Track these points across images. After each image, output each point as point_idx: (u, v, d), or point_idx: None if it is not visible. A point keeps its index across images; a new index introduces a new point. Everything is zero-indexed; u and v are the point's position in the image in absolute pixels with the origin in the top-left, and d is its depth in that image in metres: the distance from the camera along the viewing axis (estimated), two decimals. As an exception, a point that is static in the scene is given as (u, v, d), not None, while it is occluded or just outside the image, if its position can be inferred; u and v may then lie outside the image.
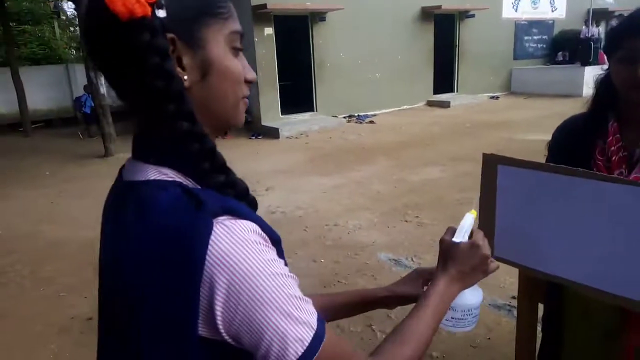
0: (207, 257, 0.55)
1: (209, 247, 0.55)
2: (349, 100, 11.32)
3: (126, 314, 0.62)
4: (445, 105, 12.45)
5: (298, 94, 10.95)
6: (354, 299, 0.97)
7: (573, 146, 1.33)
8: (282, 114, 10.46)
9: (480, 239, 0.86)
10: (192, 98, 0.62)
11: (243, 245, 0.57)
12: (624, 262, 0.95)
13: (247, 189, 0.68)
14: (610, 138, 1.26)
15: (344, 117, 11.08)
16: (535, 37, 14.90)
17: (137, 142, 0.68)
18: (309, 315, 0.60)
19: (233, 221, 0.58)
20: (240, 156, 7.99)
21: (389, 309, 1.00)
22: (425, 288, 0.92)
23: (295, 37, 10.63)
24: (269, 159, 7.75)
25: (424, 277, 0.98)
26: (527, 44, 14.85)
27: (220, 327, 0.57)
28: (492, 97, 13.66)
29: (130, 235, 0.61)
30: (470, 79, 13.74)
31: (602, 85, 1.32)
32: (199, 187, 0.64)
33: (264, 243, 0.60)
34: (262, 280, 0.57)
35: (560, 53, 14.80)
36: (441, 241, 0.89)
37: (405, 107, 12.56)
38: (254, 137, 9.62)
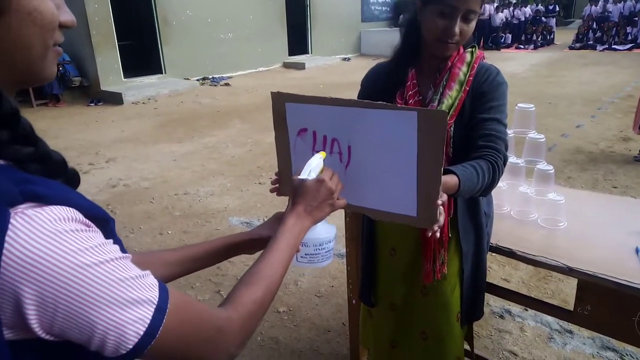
0: (3, 259, 0.44)
1: (5, 247, 0.44)
2: (202, 61, 10.72)
3: None
4: (300, 67, 12.56)
5: (143, 55, 10.00)
6: (216, 247, 0.96)
7: (378, 91, 1.40)
8: (125, 77, 9.44)
9: (327, 176, 0.91)
10: None
11: (52, 238, 0.47)
12: (399, 183, 1.02)
13: (63, 162, 0.56)
14: (409, 83, 1.35)
15: (197, 80, 10.48)
16: (379, 0, 15.71)
17: None
18: (147, 290, 0.54)
19: (38, 209, 0.47)
20: (76, 125, 7.09)
21: (250, 254, 1.01)
22: None
23: (134, -9, 9.59)
24: (110, 127, 7.00)
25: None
26: (372, 7, 15.61)
27: (38, 330, 0.48)
28: (344, 59, 14.18)
29: None
30: (324, 40, 14.03)
31: (409, 36, 1.38)
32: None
33: (83, 229, 0.51)
34: (82, 275, 0.49)
35: (401, 16, 15.86)
36: (291, 180, 0.93)
37: (261, 69, 12.36)
38: (92, 104, 8.57)
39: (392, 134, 0.98)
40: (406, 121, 0.95)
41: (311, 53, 13.97)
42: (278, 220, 0.99)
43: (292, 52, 13.24)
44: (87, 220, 0.52)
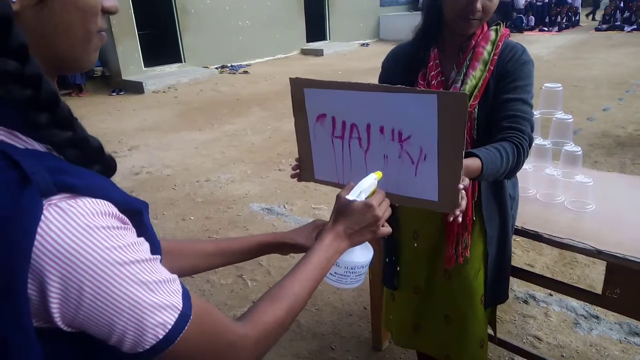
0: (34, 251, 0.44)
1: (37, 238, 0.44)
2: (220, 49, 10.73)
3: None
4: (319, 53, 12.47)
5: (162, 44, 10.05)
6: (250, 244, 0.95)
7: (399, 72, 1.38)
8: (145, 67, 9.53)
9: (377, 201, 0.85)
10: (23, 28, 0.46)
11: (84, 232, 0.46)
12: (420, 167, 1.00)
13: (101, 148, 0.54)
14: (431, 63, 1.33)
15: (216, 68, 10.51)
16: (399, -16, 15.46)
17: None
18: (172, 295, 0.54)
19: (71, 202, 0.46)
20: (99, 115, 7.21)
21: (283, 254, 1.01)
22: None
23: (153, -20, 9.63)
24: (132, 116, 7.09)
25: (320, 229, 0.95)
26: (391, -9, 15.36)
27: (59, 322, 0.48)
28: (363, 45, 14.01)
29: None
30: (342, 26, 13.88)
31: (430, 14, 1.35)
32: (37, 147, 0.50)
33: (116, 226, 0.50)
34: (108, 272, 0.48)
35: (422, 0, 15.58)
36: (338, 196, 0.87)
37: (279, 56, 12.32)
38: (114, 94, 8.69)
39: (412, 118, 0.97)
40: (426, 104, 0.93)
41: (329, 39, 13.85)
42: (315, 228, 0.99)
43: (310, 39, 13.15)
44: (122, 215, 0.52)
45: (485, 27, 1.34)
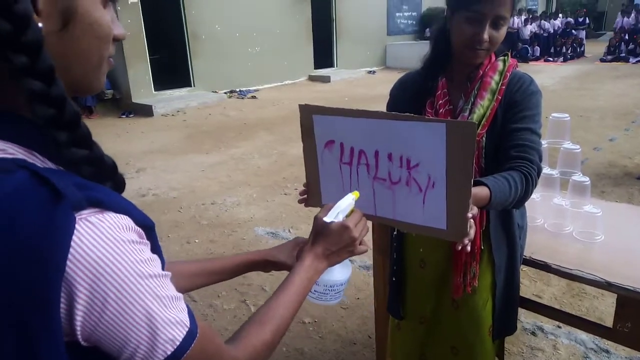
0: (68, 263, 0.46)
1: (71, 249, 0.46)
2: (229, 75, 10.91)
3: None
4: (326, 80, 12.64)
5: (173, 68, 10.23)
6: (232, 263, 0.98)
7: (407, 101, 1.39)
8: (155, 90, 9.69)
9: (353, 222, 0.88)
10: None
11: (112, 246, 0.49)
12: (428, 195, 1.00)
13: (114, 166, 0.58)
14: (439, 92, 1.34)
15: (225, 93, 10.66)
16: (405, 14, 15.73)
17: None
18: (181, 312, 0.56)
19: (100, 216, 0.49)
20: (107, 137, 7.29)
21: (265, 272, 1.04)
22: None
23: (165, 6, 9.86)
24: (141, 138, 7.18)
25: (300, 247, 0.99)
26: (398, 20, 15.63)
27: (79, 333, 0.49)
28: (370, 72, 14.20)
29: None
30: (349, 54, 14.10)
31: (438, 44, 1.37)
32: (50, 166, 0.52)
33: (137, 240, 0.52)
34: (132, 285, 0.50)
35: (428, 29, 15.82)
36: (315, 218, 0.91)
37: (287, 82, 12.49)
38: (124, 116, 8.82)
39: (420, 146, 0.97)
40: (434, 133, 0.94)
41: (337, 66, 14.06)
42: (296, 246, 1.02)
43: (317, 66, 13.35)
44: (140, 230, 0.54)
45: (493, 58, 1.36)
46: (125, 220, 0.51)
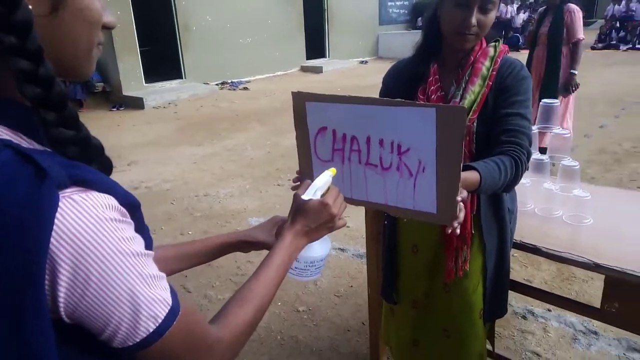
0: (51, 239, 0.47)
1: (55, 226, 0.47)
2: (221, 66, 10.83)
3: None
4: (318, 70, 12.59)
5: (163, 60, 10.13)
6: (210, 245, 0.98)
7: (400, 87, 1.40)
8: (146, 82, 9.59)
9: (331, 198, 0.89)
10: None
11: (95, 224, 0.50)
12: (419, 180, 1.02)
13: (101, 147, 0.58)
14: (431, 79, 1.35)
15: (217, 84, 10.59)
16: (397, 3, 15.68)
17: None
18: (163, 290, 0.57)
19: (83, 195, 0.50)
20: (98, 130, 7.22)
21: (244, 252, 1.03)
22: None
23: (155, -2, 9.77)
24: (132, 131, 7.13)
25: (279, 226, 1.01)
26: (390, 10, 15.57)
27: (62, 310, 0.50)
28: (362, 62, 14.16)
29: None
30: (341, 44, 14.04)
31: (430, 31, 1.38)
32: (36, 147, 0.53)
33: (121, 219, 0.53)
34: (114, 262, 0.51)
35: (420, 18, 15.77)
36: (295, 195, 0.92)
37: (279, 72, 12.43)
38: (115, 109, 8.74)
39: (411, 131, 0.98)
40: (425, 118, 0.95)
41: (329, 57, 14.00)
42: (275, 224, 1.03)
43: (309, 56, 13.29)
44: (123, 209, 0.54)
45: (484, 43, 1.36)
46: (108, 200, 0.52)
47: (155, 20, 9.95)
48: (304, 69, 12.93)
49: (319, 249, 0.96)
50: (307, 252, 0.93)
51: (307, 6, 12.77)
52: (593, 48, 14.82)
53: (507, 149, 1.26)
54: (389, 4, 15.45)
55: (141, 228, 0.58)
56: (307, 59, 13.19)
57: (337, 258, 3.09)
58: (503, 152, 1.25)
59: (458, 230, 1.05)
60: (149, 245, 0.59)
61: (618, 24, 15.36)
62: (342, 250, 3.20)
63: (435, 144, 0.95)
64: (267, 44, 11.82)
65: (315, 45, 13.49)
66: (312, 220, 0.88)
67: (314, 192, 0.91)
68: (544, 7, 4.52)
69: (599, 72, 10.40)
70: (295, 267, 0.96)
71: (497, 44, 1.37)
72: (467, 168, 1.16)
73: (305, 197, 0.90)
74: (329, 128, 1.10)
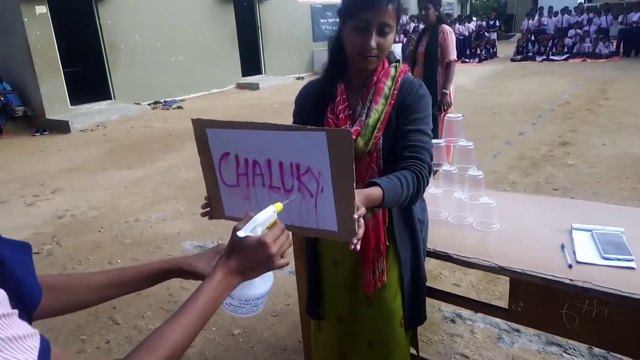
0: None
1: None
2: (152, 85, 10.54)
3: None
4: (254, 87, 12.58)
5: (90, 81, 9.70)
6: (145, 272, 0.92)
7: (310, 107, 1.44)
8: (72, 105, 9.14)
9: (271, 237, 0.83)
10: None
11: None
12: (319, 200, 1.04)
13: None
14: (339, 98, 1.39)
15: (149, 104, 10.29)
16: (330, 20, 16.05)
17: None
18: (24, 352, 0.50)
19: None
20: (20, 157, 6.80)
21: (185, 279, 0.97)
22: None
23: (78, 16, 9.35)
24: (57, 156, 6.74)
25: (220, 256, 0.92)
26: (323, 27, 15.92)
27: None
28: (298, 78, 14.32)
29: None
30: (276, 61, 14.14)
31: (335, 52, 1.42)
32: None
33: None
34: None
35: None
36: (233, 230, 0.85)
37: (215, 90, 12.29)
38: (38, 134, 8.25)
39: (307, 154, 1.01)
40: (317, 141, 0.98)
41: (265, 73, 14.04)
42: (217, 254, 0.97)
43: (245, 73, 13.26)
44: None
45: (387, 64, 1.43)
46: None
47: (80, 39, 9.54)
48: (240, 86, 12.87)
49: (260, 284, 0.90)
50: (244, 289, 0.87)
51: (240, 24, 12.77)
52: (512, 60, 15.93)
53: (409, 164, 1.31)
54: (321, 20, 15.80)
55: (9, 281, 0.53)
56: (242, 76, 13.15)
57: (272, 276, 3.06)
58: (405, 167, 1.31)
59: (358, 247, 1.08)
60: (25, 297, 0.54)
61: (533, 37, 16.61)
62: (271, 272, 3.18)
63: (330, 165, 0.98)
64: (200, 62, 11.67)
65: (251, 62, 13.49)
66: (248, 258, 0.82)
67: (252, 227, 0.84)
68: (423, 27, 4.74)
69: (518, 82, 11.16)
70: (230, 304, 0.89)
71: (397, 64, 1.44)
72: (371, 184, 1.21)
73: (241, 233, 0.83)
74: (231, 153, 1.11)
